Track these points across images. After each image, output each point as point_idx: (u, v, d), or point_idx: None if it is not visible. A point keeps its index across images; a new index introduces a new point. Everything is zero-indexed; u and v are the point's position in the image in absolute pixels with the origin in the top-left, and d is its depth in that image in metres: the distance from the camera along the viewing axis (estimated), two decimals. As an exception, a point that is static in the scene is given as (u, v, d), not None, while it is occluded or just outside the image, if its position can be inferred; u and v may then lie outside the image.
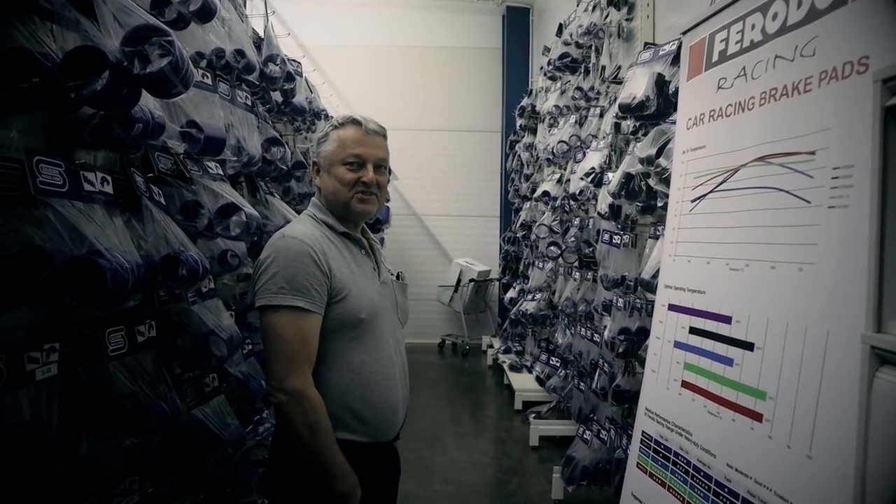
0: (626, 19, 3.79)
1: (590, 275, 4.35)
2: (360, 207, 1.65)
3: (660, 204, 2.66)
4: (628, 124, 3.39)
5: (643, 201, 2.97)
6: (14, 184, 1.14)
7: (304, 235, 1.55)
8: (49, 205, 1.12)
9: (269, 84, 2.58)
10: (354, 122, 1.65)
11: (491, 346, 7.60)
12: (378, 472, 1.65)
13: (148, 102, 1.45)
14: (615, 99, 3.77)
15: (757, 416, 1.43)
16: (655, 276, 2.63)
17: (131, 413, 1.40)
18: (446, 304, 8.15)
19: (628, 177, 2.95)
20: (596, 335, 3.98)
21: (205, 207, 1.72)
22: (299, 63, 3.15)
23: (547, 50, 5.53)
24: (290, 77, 2.72)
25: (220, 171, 1.91)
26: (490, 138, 8.72)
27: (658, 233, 2.91)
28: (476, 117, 8.72)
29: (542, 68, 5.71)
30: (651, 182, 2.28)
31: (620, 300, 3.30)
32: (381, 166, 1.69)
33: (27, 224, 1.16)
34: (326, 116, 3.99)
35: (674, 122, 2.44)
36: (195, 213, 1.71)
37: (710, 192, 1.73)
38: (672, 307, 1.86)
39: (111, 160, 1.60)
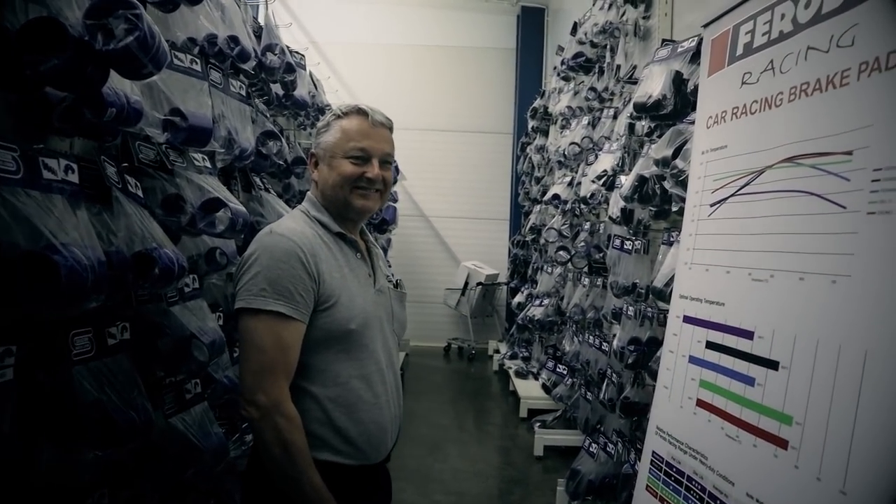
0: (644, 17, 3.66)
1: (599, 281, 4.22)
2: (360, 203, 1.52)
3: (675, 209, 2.53)
4: (643, 125, 3.25)
5: (657, 205, 2.84)
6: (-36, 169, 1.03)
7: (294, 233, 1.42)
8: (-2, 192, 1.01)
9: (268, 75, 2.47)
10: (360, 111, 1.53)
11: (497, 351, 7.48)
12: (364, 497, 1.50)
13: (125, 86, 1.34)
14: (630, 99, 3.64)
15: (781, 443, 1.29)
16: (669, 284, 2.50)
17: (96, 422, 1.29)
18: (453, 307, 8.02)
19: (642, 180, 2.82)
20: (604, 344, 3.84)
21: (188, 202, 1.61)
22: (302, 55, 3.04)
23: (561, 49, 5.40)
24: (290, 68, 2.60)
25: (209, 164, 1.80)
26: (501, 140, 8.60)
27: (672, 239, 2.78)
28: (488, 118, 8.60)
29: (555, 68, 5.58)
30: (666, 185, 2.15)
31: (631, 308, 3.16)
32: (388, 161, 1.57)
33: (-23, 214, 1.05)
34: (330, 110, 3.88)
35: (691, 122, 2.30)
36: (177, 208, 1.60)
37: (732, 195, 1.60)
38: (687, 319, 1.73)
39: (89, 148, 1.50)
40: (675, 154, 2.15)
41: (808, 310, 1.29)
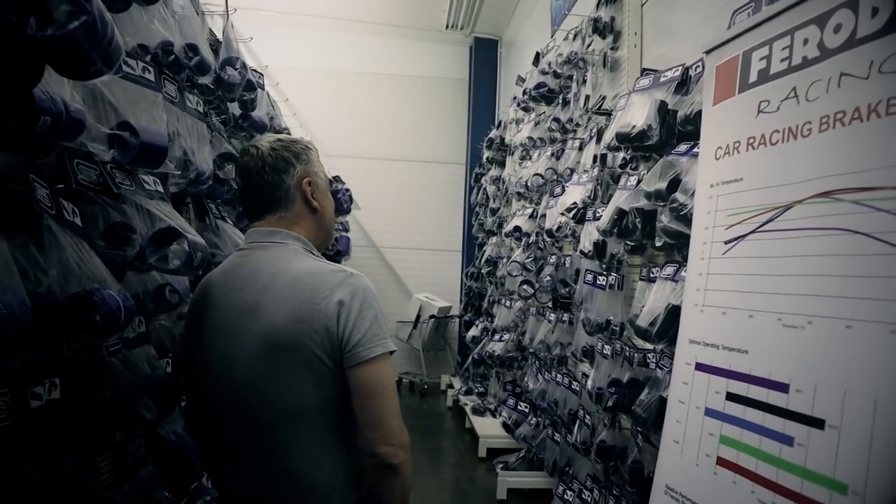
0: (612, 48, 3.61)
1: (566, 316, 4.08)
2: None
3: (658, 244, 2.41)
4: (615, 156, 3.16)
5: (636, 240, 2.72)
6: None
7: None
8: None
9: (227, 91, 2.22)
10: None
11: (451, 386, 7.25)
12: None
13: (63, 91, 1.10)
14: (598, 130, 3.57)
15: (834, 515, 1.14)
16: (654, 323, 2.37)
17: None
18: (404, 340, 7.76)
19: (621, 213, 2.70)
20: (574, 383, 3.69)
21: (136, 232, 1.35)
22: (261, 74, 2.82)
23: (521, 80, 5.33)
24: (251, 86, 2.37)
25: (161, 189, 1.55)
26: (454, 170, 8.49)
27: (653, 275, 2.67)
28: (440, 148, 8.49)
29: (514, 98, 5.51)
30: (662, 219, 2.02)
31: (606, 347, 3.02)
32: None
33: None
34: (288, 133, 3.64)
35: (681, 154, 2.20)
36: (124, 239, 1.35)
37: (752, 232, 1.47)
38: (701, 367, 1.58)
39: (13, 166, 1.23)
40: (672, 187, 2.03)
41: (860, 362, 1.14)
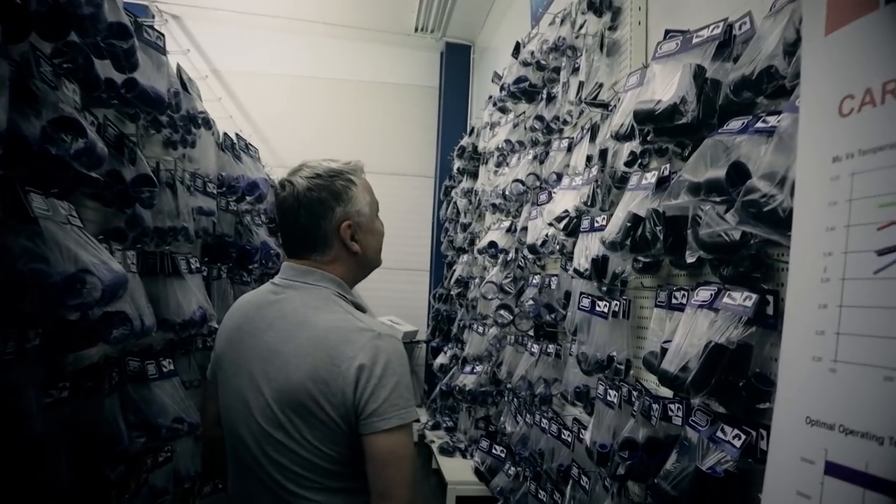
0: (610, 28, 2.99)
1: (551, 348, 3.41)
2: None
3: (690, 259, 1.78)
4: (618, 152, 2.52)
5: (654, 254, 2.08)
6: None
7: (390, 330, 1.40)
8: None
9: (80, 33, 1.47)
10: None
11: (416, 420, 6.52)
12: None
13: None
14: (591, 126, 2.94)
15: None
16: (686, 368, 1.71)
17: None
18: (366, 369, 7.01)
19: (636, 220, 2.06)
20: (565, 431, 3.01)
21: None
22: (160, 34, 2.09)
23: (498, 77, 4.70)
24: (122, 31, 1.60)
25: None
26: (422, 183, 7.85)
27: (675, 300, 2.06)
28: (408, 160, 7.84)
29: (490, 97, 4.88)
30: (728, 219, 1.35)
31: (611, 392, 2.35)
32: None
33: None
34: (206, 123, 2.91)
35: (733, 132, 1.56)
36: None
37: (941, 233, 0.82)
38: (838, 471, 0.90)
39: None
40: (735, 176, 1.37)
41: None
